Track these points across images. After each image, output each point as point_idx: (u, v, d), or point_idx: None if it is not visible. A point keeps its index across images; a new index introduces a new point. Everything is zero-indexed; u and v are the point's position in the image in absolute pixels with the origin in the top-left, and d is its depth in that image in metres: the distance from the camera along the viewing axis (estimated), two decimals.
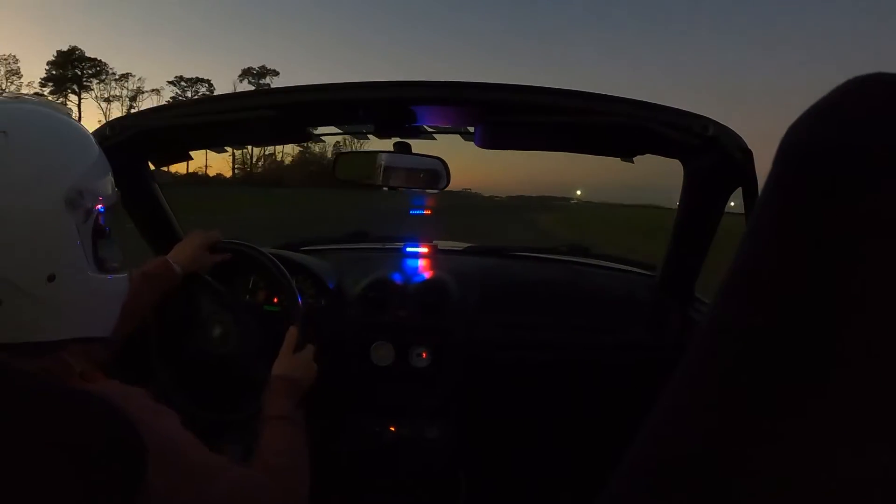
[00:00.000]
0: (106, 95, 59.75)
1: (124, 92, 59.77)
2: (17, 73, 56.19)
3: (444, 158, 1.26)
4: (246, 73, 62.99)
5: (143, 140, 1.14)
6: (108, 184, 0.70)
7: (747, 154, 0.99)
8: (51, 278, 0.61)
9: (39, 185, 0.61)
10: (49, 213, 0.62)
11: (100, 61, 58.29)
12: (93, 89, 59.13)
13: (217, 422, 1.12)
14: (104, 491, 0.50)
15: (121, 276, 0.72)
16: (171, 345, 1.17)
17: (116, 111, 57.78)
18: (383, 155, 1.29)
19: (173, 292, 1.12)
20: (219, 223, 1.50)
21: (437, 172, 1.27)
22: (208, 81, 60.86)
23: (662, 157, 1.15)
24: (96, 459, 0.50)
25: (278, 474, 0.79)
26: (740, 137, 0.99)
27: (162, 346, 1.16)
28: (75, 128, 0.68)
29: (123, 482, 0.52)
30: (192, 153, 1.37)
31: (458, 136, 1.25)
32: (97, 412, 0.53)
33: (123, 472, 0.52)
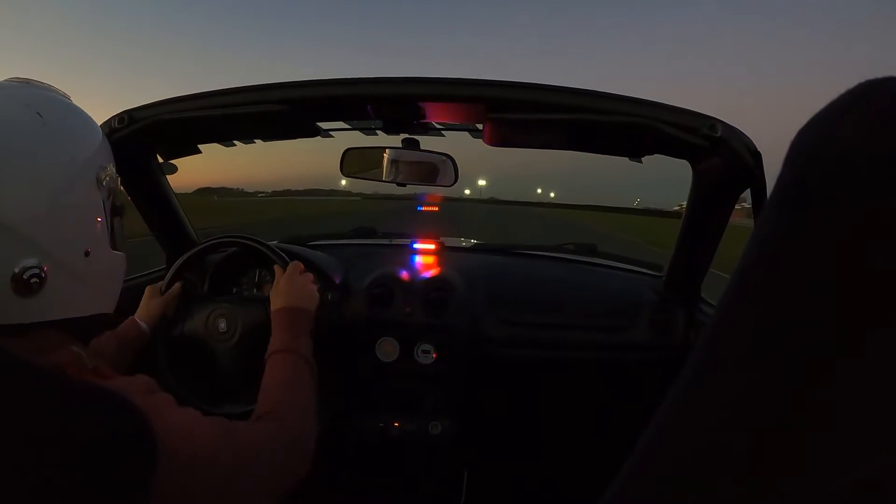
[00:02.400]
0: None
1: None
2: None
3: (452, 155, 1.26)
4: None
5: (153, 132, 1.14)
6: (112, 160, 0.74)
7: (756, 155, 0.98)
8: (87, 254, 0.65)
9: (75, 164, 0.65)
10: (86, 191, 0.66)
11: None
12: None
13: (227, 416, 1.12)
14: (117, 485, 0.51)
15: (124, 254, 0.76)
16: (178, 347, 1.17)
17: None
18: (391, 151, 1.29)
19: (175, 302, 1.18)
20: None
21: (445, 169, 1.27)
22: None
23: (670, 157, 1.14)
24: (109, 454, 0.51)
25: (282, 413, 0.79)
26: (749, 138, 0.98)
27: (170, 351, 1.17)
28: (82, 111, 0.71)
29: (136, 476, 0.52)
30: (200, 147, 1.37)
31: (466, 133, 1.26)
32: (110, 407, 0.54)
33: (136, 466, 0.52)
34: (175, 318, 1.18)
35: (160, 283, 1.19)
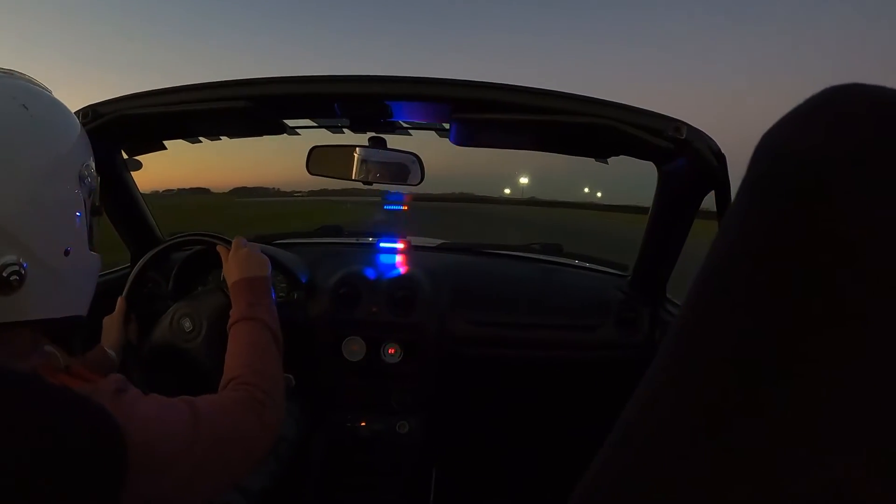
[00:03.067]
0: None
1: None
2: None
3: (418, 154, 1.26)
4: None
5: (119, 128, 1.12)
6: (91, 156, 0.72)
7: (720, 158, 1.00)
8: (66, 252, 0.64)
9: (59, 158, 0.63)
10: (68, 187, 0.65)
11: None
12: None
13: None
14: (89, 488, 0.50)
15: (99, 255, 0.75)
16: (150, 362, 1.15)
17: None
18: (358, 149, 1.28)
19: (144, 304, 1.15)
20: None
21: (411, 167, 1.27)
22: None
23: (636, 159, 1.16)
24: (80, 459, 0.50)
25: (247, 377, 0.79)
26: (714, 141, 1.00)
27: (142, 369, 1.14)
28: (63, 104, 0.69)
29: (108, 478, 0.51)
30: (166, 143, 1.35)
31: (433, 132, 1.26)
32: (81, 412, 0.52)
33: (107, 468, 0.51)
34: (140, 335, 1.15)
35: (115, 314, 1.15)
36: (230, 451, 0.67)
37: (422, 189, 1.37)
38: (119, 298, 1.15)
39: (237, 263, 1.02)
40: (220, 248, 1.10)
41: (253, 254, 1.04)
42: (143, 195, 1.48)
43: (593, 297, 1.50)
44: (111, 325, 1.13)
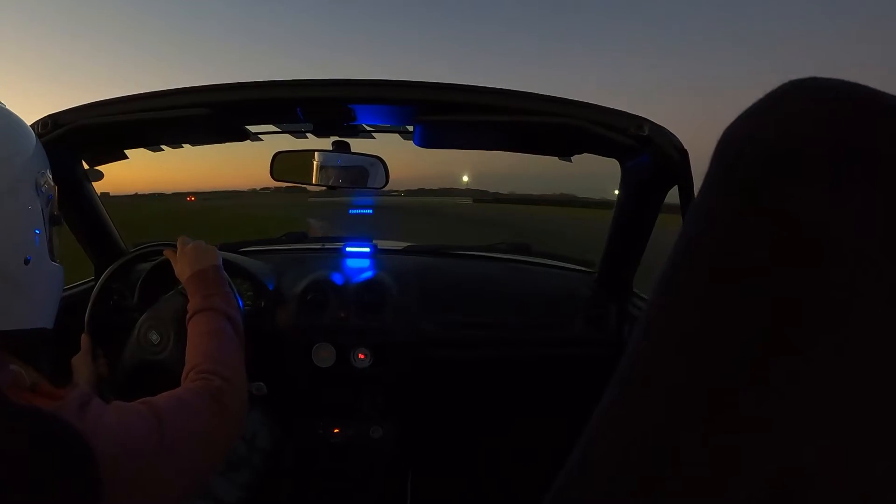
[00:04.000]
0: None
1: None
2: None
3: (383, 157, 1.25)
4: None
5: (79, 137, 1.09)
6: (48, 166, 0.73)
7: (683, 154, 1.02)
8: (26, 261, 0.64)
9: (16, 168, 0.64)
10: (26, 196, 0.65)
11: None
12: None
13: None
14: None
15: (61, 266, 0.74)
16: (126, 385, 1.10)
17: None
18: (321, 154, 1.27)
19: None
20: None
21: (375, 171, 1.26)
22: None
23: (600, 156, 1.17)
24: (51, 480, 0.49)
25: (205, 368, 0.78)
26: (676, 137, 1.02)
27: (112, 384, 1.09)
28: (16, 115, 0.70)
29: (82, 498, 0.50)
30: (127, 152, 1.32)
31: (397, 135, 1.25)
32: (46, 431, 0.51)
33: (81, 488, 0.51)
34: (111, 366, 1.11)
35: (81, 353, 1.10)
36: (196, 442, 0.67)
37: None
38: (82, 336, 1.10)
39: (186, 260, 1.01)
40: (167, 252, 1.08)
41: (199, 246, 1.04)
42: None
43: (561, 295, 1.52)
44: (80, 364, 1.09)
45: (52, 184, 0.71)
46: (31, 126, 1.05)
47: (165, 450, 0.61)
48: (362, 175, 1.27)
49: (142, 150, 1.33)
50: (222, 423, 0.72)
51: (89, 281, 1.49)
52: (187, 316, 0.92)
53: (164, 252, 1.10)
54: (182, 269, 1.01)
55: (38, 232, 0.67)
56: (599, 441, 0.27)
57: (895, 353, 0.21)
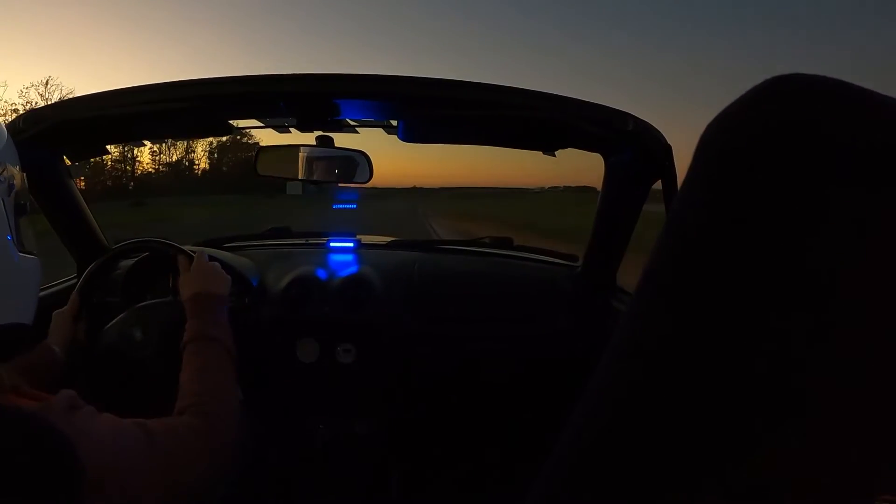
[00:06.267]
0: None
1: None
2: None
3: (367, 152, 1.25)
4: None
5: (60, 133, 1.07)
6: (17, 161, 0.70)
7: (667, 149, 1.02)
8: None
9: None
10: None
11: None
12: None
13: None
14: None
15: (36, 258, 0.71)
16: (97, 367, 1.10)
17: None
18: (305, 149, 1.26)
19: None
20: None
21: (359, 166, 1.26)
22: None
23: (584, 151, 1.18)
24: (31, 480, 0.48)
25: (203, 404, 0.76)
26: (660, 132, 1.02)
27: (89, 373, 1.08)
28: None
29: (60, 501, 0.49)
30: (108, 147, 1.32)
31: (381, 129, 1.25)
32: (29, 433, 0.50)
33: (60, 491, 0.49)
34: (89, 338, 1.10)
35: (66, 308, 1.10)
36: (184, 475, 0.66)
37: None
38: (73, 293, 1.10)
39: (197, 276, 0.98)
40: (180, 259, 1.06)
41: (217, 269, 1.01)
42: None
43: (545, 289, 1.52)
44: (61, 320, 1.07)
45: (19, 172, 0.69)
46: (12, 122, 1.04)
47: (152, 475, 0.60)
48: (345, 169, 1.26)
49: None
50: (212, 462, 0.72)
51: (71, 278, 1.47)
52: (187, 336, 0.90)
53: (176, 257, 1.07)
54: (190, 283, 0.98)
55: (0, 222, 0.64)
56: (582, 437, 0.27)
57: (881, 338, 0.21)
